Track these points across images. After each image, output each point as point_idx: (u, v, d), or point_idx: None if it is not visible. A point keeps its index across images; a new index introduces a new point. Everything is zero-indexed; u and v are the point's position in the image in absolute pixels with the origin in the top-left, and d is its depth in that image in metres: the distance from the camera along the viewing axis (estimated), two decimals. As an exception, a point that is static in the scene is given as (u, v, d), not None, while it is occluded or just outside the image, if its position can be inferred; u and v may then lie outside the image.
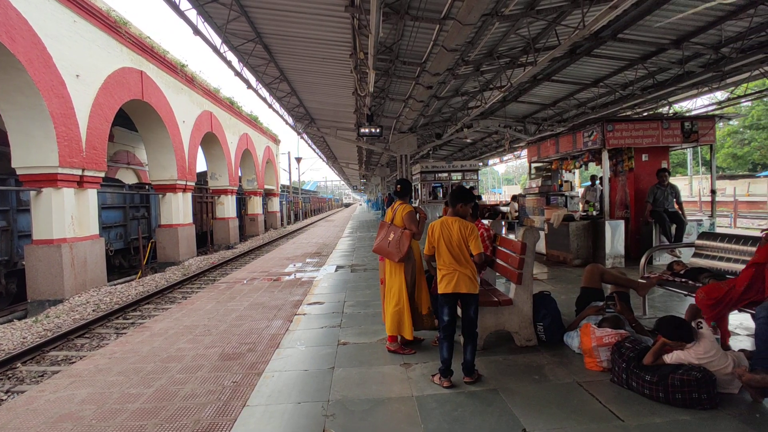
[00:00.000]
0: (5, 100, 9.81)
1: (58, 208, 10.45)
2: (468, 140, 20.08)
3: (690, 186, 32.90)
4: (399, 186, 4.50)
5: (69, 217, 10.71)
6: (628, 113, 14.48)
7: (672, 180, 8.37)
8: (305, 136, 22.92)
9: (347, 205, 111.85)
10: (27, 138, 10.13)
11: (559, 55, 9.28)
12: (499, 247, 4.77)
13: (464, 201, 3.76)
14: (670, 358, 3.22)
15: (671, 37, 9.69)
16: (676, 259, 6.44)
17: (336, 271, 9.30)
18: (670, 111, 14.57)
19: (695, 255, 5.15)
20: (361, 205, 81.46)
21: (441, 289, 3.62)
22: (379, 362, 4.12)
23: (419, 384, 3.60)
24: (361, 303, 6.42)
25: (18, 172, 10.39)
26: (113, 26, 12.64)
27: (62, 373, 4.34)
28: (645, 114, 14.57)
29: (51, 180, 10.34)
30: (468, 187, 16.86)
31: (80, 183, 11.20)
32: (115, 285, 12.27)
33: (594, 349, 3.73)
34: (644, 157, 8.37)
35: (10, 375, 6.42)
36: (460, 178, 17.52)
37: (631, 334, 3.80)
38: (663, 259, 7.79)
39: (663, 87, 12.05)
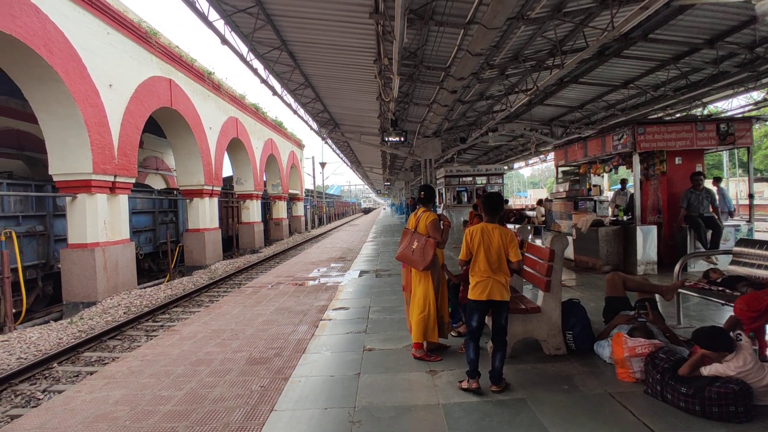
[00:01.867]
0: (44, 110, 10.22)
1: (91, 213, 10.81)
2: (493, 143, 19.90)
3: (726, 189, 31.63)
4: (422, 192, 4.47)
5: (102, 221, 11.06)
6: (660, 115, 14.10)
7: (706, 183, 8.08)
8: (329, 141, 23.15)
9: (367, 211, 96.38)
10: (63, 146, 10.52)
11: (587, 57, 9.12)
12: (527, 254, 4.68)
13: (500, 209, 3.79)
14: (707, 370, 3.10)
15: (704, 37, 9.41)
16: (712, 266, 6.20)
17: (360, 276, 9.31)
18: (704, 112, 14.13)
19: (733, 262, 4.94)
20: (385, 209, 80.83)
21: (474, 295, 3.59)
22: (405, 369, 4.09)
23: (446, 392, 3.56)
24: (387, 309, 6.40)
25: (54, 179, 10.80)
26: (144, 37, 13.04)
27: (97, 374, 4.46)
28: (678, 116, 14.16)
29: (85, 186, 10.71)
30: (496, 190, 16.71)
31: (112, 189, 11.56)
32: (144, 288, 12.58)
33: (626, 359, 3.62)
34: (677, 161, 8.11)
35: (47, 375, 6.64)
36: (484, 182, 17.33)
37: (666, 345, 3.67)
38: (698, 267, 7.52)
39: (697, 87, 11.71)
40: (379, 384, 3.77)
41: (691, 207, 7.57)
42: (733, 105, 15.51)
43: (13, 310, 9.38)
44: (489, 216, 3.74)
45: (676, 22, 8.50)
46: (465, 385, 3.56)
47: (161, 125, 16.14)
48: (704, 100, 13.56)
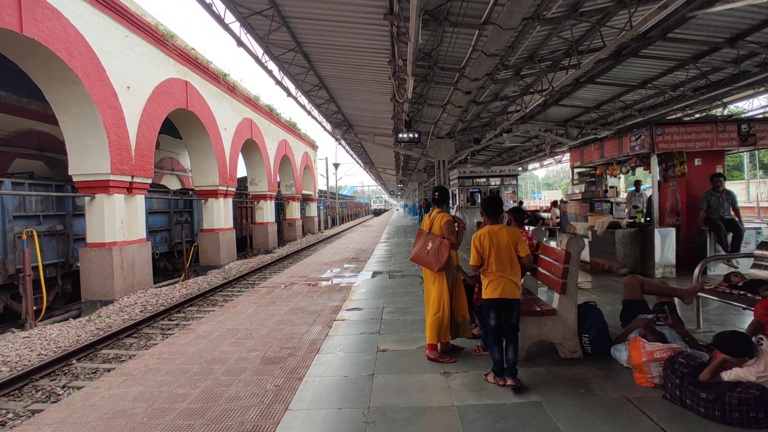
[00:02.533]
0: (64, 112, 10.43)
1: (109, 213, 11.00)
2: (508, 144, 19.77)
3: (747, 191, 30.99)
4: (437, 193, 4.47)
5: (119, 221, 11.24)
6: (679, 115, 13.86)
7: (727, 184, 7.92)
8: (343, 142, 23.23)
9: (378, 212, 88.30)
10: (82, 147, 10.72)
11: (604, 56, 9.01)
12: (542, 256, 4.64)
13: (500, 209, 3.93)
14: (728, 375, 3.04)
15: (725, 36, 9.24)
16: (733, 269, 6.08)
17: (374, 277, 9.32)
18: (725, 112, 13.85)
19: (755, 266, 4.85)
20: (397, 210, 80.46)
21: (488, 294, 3.68)
22: (419, 370, 4.08)
23: (460, 393, 3.55)
24: (400, 310, 6.40)
25: (74, 179, 11.01)
26: (161, 39, 13.24)
27: (115, 371, 4.53)
28: (697, 116, 13.91)
29: (103, 186, 10.90)
30: (509, 192, 16.59)
31: (129, 189, 11.75)
32: (160, 287, 12.75)
33: (644, 364, 3.56)
34: (697, 162, 7.96)
35: (66, 371, 6.77)
36: (498, 183, 17.23)
37: (685, 349, 3.60)
38: (719, 270, 7.37)
39: (717, 87, 11.49)
40: (393, 385, 3.77)
41: (711, 209, 7.43)
42: (754, 105, 15.21)
43: (34, 308, 9.59)
44: (491, 218, 3.90)
45: (696, 20, 8.35)
46: (491, 379, 3.69)
47: (177, 126, 16.36)
48: (724, 100, 13.30)
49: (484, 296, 3.73)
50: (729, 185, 9.40)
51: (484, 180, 17.63)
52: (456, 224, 4.28)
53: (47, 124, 16.14)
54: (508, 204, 15.74)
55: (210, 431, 3.14)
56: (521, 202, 18.33)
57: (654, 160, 7.71)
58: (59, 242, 11.22)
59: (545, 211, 15.60)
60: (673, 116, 14.22)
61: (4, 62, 11.26)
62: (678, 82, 12.17)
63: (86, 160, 10.79)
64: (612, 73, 11.63)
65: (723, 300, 4.40)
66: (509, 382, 3.55)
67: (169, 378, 4.17)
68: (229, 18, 8.91)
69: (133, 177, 11.74)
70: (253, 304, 7.27)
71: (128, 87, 11.67)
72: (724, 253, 7.29)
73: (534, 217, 11.71)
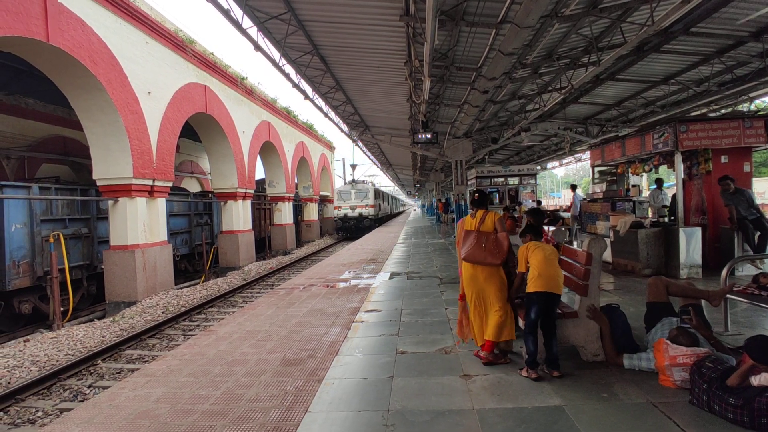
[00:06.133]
0: (88, 118, 10.70)
1: (132, 216, 11.24)
2: (526, 143, 19.55)
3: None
4: (477, 194, 4.57)
5: (141, 224, 11.47)
6: (704, 111, 13.50)
7: (755, 181, 7.68)
8: (360, 143, 23.27)
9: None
10: (106, 152, 10.98)
11: (625, 53, 8.83)
12: (563, 257, 4.57)
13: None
14: (757, 380, 2.94)
15: (750, 30, 8.97)
16: (761, 271, 5.89)
17: (392, 278, 9.31)
18: (751, 107, 13.45)
19: (785, 266, 4.68)
20: (415, 210, 79.68)
21: (534, 287, 3.86)
22: (438, 373, 4.06)
23: (480, 397, 3.51)
24: (419, 311, 6.37)
25: (98, 183, 11.29)
26: (180, 45, 13.47)
27: (139, 372, 4.62)
28: (723, 111, 13.53)
29: (126, 190, 11.14)
30: (528, 191, 16.40)
31: (151, 192, 11.98)
32: (181, 288, 12.97)
33: (667, 368, 3.48)
34: (723, 159, 7.74)
35: (92, 371, 6.94)
36: (516, 182, 17.03)
37: (712, 353, 3.50)
38: (746, 270, 7.15)
39: (743, 82, 11.15)
40: (413, 387, 3.76)
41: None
42: (783, 99, 14.73)
43: (61, 309, 9.86)
44: (536, 235, 4.26)
45: (720, 14, 8.12)
46: (525, 373, 3.83)
47: (196, 130, 16.63)
48: (751, 95, 12.90)
49: (532, 289, 3.86)
50: (756, 182, 9.11)
51: (502, 180, 17.43)
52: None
53: (72, 129, 16.59)
54: (527, 204, 15.56)
55: (231, 433, 3.18)
56: (539, 202, 18.09)
57: (678, 158, 7.53)
58: (84, 245, 11.50)
59: (564, 210, 15.37)
60: (697, 112, 13.86)
61: (32, 70, 11.60)
62: (702, 77, 11.85)
63: (109, 164, 11.05)
64: (633, 69, 11.38)
65: (752, 302, 4.27)
66: (554, 373, 3.77)
67: (191, 379, 4.24)
68: (247, 23, 9.00)
69: (154, 180, 11.97)
70: (273, 305, 7.34)
71: (149, 92, 11.90)
72: (752, 253, 7.08)
73: (553, 216, 11.53)
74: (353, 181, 31.99)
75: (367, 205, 29.48)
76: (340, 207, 29.79)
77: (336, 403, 3.56)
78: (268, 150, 22.05)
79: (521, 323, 4.14)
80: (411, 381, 3.90)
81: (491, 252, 4.20)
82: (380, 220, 33.31)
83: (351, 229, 29.30)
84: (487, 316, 4.28)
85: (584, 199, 12.50)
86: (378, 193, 33.09)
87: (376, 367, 4.30)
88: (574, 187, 15.39)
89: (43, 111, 16.06)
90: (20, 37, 8.27)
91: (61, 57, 9.37)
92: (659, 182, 11.18)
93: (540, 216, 4.79)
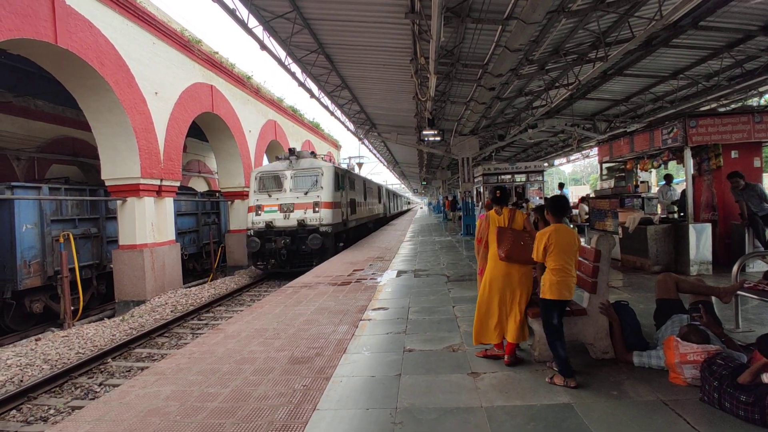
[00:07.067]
0: (96, 119, 10.80)
1: (140, 216, 11.33)
2: (533, 140, 19.46)
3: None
4: (498, 191, 4.52)
5: (149, 224, 11.56)
6: (714, 106, 13.35)
7: (765, 177, 7.58)
8: (366, 141, 23.26)
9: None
10: (114, 152, 11.07)
11: (633, 48, 8.74)
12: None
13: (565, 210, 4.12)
14: (768, 377, 2.91)
15: (758, 23, 8.85)
16: (772, 266, 5.82)
17: (399, 276, 9.31)
18: (761, 102, 13.27)
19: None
20: (421, 208, 79.44)
21: (553, 295, 3.69)
22: (446, 371, 4.05)
23: (488, 394, 3.50)
24: (426, 309, 6.36)
25: (106, 183, 11.39)
26: (187, 45, 13.53)
27: (148, 370, 4.66)
28: (733, 106, 13.37)
29: (134, 190, 11.23)
30: (535, 188, 16.34)
31: (159, 192, 12.06)
32: (189, 287, 13.06)
33: (677, 365, 3.45)
34: (734, 154, 7.64)
35: (103, 369, 7.01)
36: (524, 179, 16.93)
37: (723, 350, 3.46)
38: (758, 267, 7.06)
39: (753, 76, 11.02)
40: (420, 385, 3.76)
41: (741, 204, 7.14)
42: (794, 93, 14.51)
43: (72, 308, 9.96)
44: (556, 214, 4.02)
45: (729, 8, 8.02)
46: (559, 382, 3.59)
47: (203, 129, 16.71)
48: (761, 89, 12.75)
49: (548, 297, 3.71)
50: (766, 177, 8.98)
51: (509, 177, 17.34)
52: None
53: (81, 130, 16.73)
54: (534, 201, 15.47)
55: (240, 431, 3.19)
56: (546, 198, 17.97)
57: (687, 153, 7.44)
58: (93, 244, 11.61)
59: (573, 207, 15.27)
60: (707, 107, 13.70)
61: (41, 72, 11.71)
62: (711, 71, 11.72)
63: (117, 164, 11.14)
64: (641, 64, 11.27)
65: (763, 299, 4.22)
66: (571, 383, 3.56)
67: (200, 377, 4.26)
68: (252, 22, 9.01)
69: (162, 180, 12.05)
70: (280, 303, 7.36)
71: (156, 93, 11.97)
72: (763, 249, 6.99)
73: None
74: (291, 152, 15.00)
75: (316, 204, 13.90)
76: (258, 209, 14.01)
77: (344, 401, 3.57)
78: (274, 149, 22.09)
79: (530, 321, 4.11)
80: (419, 379, 3.90)
81: (530, 250, 4.06)
82: (358, 231, 19.99)
83: (277, 254, 13.55)
84: (508, 316, 4.18)
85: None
86: (349, 181, 17.66)
87: (383, 365, 4.30)
88: (561, 186, 15.91)
89: (52, 112, 16.22)
90: (29, 39, 8.35)
91: (69, 59, 9.45)
92: (668, 178, 11.07)
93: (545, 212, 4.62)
